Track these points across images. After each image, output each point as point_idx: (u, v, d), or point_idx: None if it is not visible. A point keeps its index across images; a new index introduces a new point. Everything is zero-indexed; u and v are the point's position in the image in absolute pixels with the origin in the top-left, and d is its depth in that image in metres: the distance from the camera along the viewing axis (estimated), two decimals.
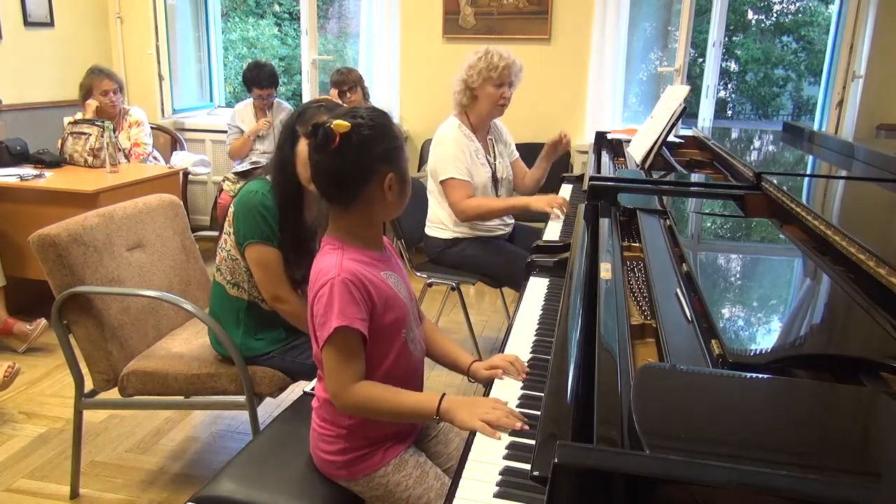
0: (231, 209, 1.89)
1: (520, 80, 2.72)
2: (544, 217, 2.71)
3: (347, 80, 3.96)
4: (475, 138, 2.73)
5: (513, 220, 2.93)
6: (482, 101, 2.67)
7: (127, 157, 3.80)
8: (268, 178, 1.88)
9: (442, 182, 2.66)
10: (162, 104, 4.89)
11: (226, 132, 4.26)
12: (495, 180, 2.78)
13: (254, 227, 1.82)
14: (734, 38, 7.86)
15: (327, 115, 1.76)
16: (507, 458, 1.07)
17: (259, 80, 4.03)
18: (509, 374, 1.32)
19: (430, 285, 2.98)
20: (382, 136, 1.26)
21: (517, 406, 1.22)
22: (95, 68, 3.75)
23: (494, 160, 2.80)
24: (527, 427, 1.14)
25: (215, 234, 3.77)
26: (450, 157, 2.63)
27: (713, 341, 0.97)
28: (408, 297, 1.37)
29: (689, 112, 2.61)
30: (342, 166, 1.24)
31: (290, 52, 8.22)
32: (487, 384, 1.33)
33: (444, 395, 1.25)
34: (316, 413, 1.40)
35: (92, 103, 3.67)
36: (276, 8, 8.41)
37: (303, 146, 1.78)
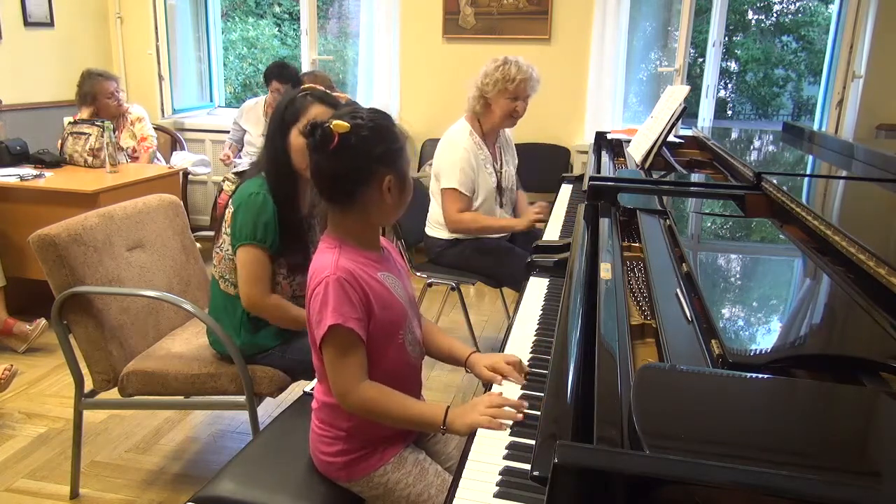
0: (229, 209, 1.88)
1: (536, 92, 2.69)
2: (544, 217, 2.72)
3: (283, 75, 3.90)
4: (485, 145, 2.73)
5: None
6: (495, 111, 2.66)
7: (129, 156, 3.80)
8: (262, 174, 1.87)
9: (443, 189, 2.66)
10: (162, 104, 4.90)
11: (227, 132, 4.26)
12: (500, 189, 2.79)
13: (251, 229, 1.81)
14: (734, 38, 7.86)
15: (318, 107, 1.78)
16: (507, 458, 1.07)
17: (281, 75, 3.89)
18: (511, 379, 1.31)
19: (430, 285, 2.98)
20: (382, 137, 1.25)
21: None
22: (92, 73, 3.69)
23: (500, 169, 2.81)
24: (527, 410, 1.16)
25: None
26: (457, 166, 2.62)
27: (713, 341, 0.97)
28: (406, 298, 1.36)
29: (689, 112, 2.61)
30: (340, 167, 1.23)
31: (290, 52, 8.21)
32: (487, 385, 1.33)
33: (448, 407, 1.25)
34: (315, 415, 1.40)
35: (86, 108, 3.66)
36: (276, 8, 8.41)
37: (296, 136, 1.78)
